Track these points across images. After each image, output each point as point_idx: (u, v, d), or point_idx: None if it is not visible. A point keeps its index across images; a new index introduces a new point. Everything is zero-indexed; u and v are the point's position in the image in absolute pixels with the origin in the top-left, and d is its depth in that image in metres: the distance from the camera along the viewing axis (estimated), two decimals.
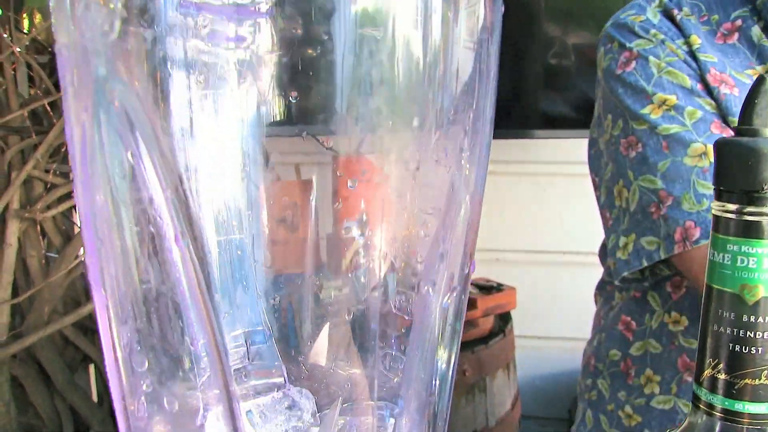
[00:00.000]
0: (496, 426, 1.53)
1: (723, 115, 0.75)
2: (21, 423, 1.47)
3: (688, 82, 0.76)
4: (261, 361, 0.36)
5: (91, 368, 1.66)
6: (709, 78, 0.75)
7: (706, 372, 0.34)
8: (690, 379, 0.84)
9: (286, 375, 0.35)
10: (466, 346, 1.51)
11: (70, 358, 1.59)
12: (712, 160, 0.79)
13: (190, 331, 0.29)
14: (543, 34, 2.12)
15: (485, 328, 1.58)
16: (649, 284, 0.87)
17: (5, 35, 1.40)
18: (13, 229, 1.41)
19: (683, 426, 0.38)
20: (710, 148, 0.73)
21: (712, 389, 0.34)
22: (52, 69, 1.51)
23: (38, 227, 1.50)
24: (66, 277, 1.51)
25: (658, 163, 0.77)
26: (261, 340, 0.36)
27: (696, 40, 0.77)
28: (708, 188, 0.74)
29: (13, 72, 1.45)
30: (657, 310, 0.87)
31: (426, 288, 0.28)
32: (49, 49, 1.49)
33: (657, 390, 0.86)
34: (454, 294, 0.28)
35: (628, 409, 0.90)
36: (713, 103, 0.76)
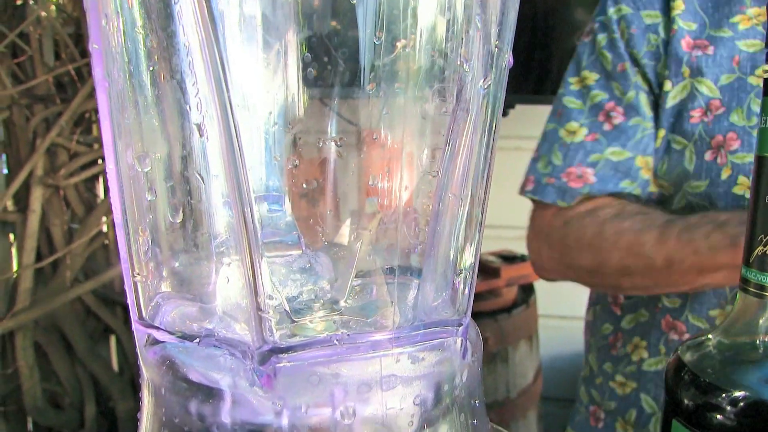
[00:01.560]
0: (517, 398, 1.51)
1: (691, 74, 0.80)
2: (44, 390, 1.48)
3: (610, 66, 0.86)
4: (276, 229, 0.34)
5: (112, 339, 1.67)
6: (683, 43, 0.80)
7: (756, 251, 0.33)
8: (675, 337, 0.84)
9: (303, 244, 0.34)
10: (489, 315, 1.49)
11: (91, 328, 1.59)
12: (582, 139, 0.85)
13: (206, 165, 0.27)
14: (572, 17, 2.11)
15: (509, 298, 1.57)
16: None
17: (31, 2, 1.41)
18: (37, 195, 1.42)
19: (731, 313, 0.36)
20: (583, 131, 0.85)
21: (763, 267, 0.33)
22: (78, 38, 1.52)
23: (61, 195, 1.51)
24: (87, 246, 1.51)
25: (548, 123, 0.91)
26: (277, 208, 0.34)
27: (680, 5, 0.81)
28: (560, 160, 0.85)
29: (38, 39, 1.46)
30: None
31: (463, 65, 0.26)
32: (75, 17, 1.50)
33: (645, 354, 0.87)
34: (490, 81, 0.27)
35: (619, 378, 0.90)
36: (634, 82, 0.84)
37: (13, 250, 1.51)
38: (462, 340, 0.29)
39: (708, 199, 0.79)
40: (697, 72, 0.79)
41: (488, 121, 0.29)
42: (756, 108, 0.76)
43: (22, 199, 1.47)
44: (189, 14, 0.25)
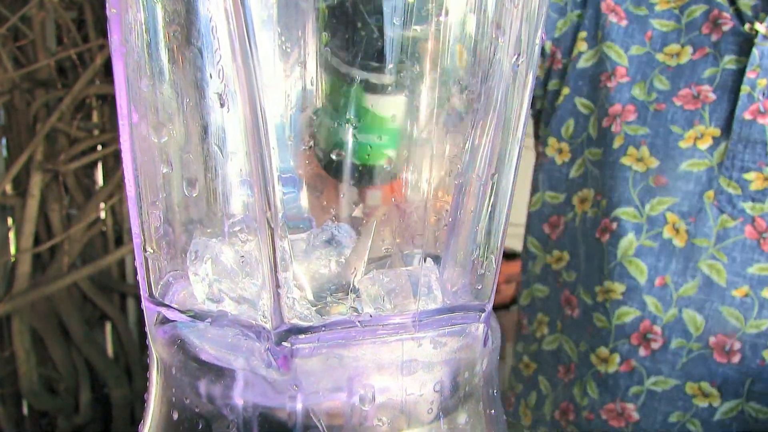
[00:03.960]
0: None
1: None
2: (40, 375, 1.46)
3: None
4: (290, 211, 0.33)
5: (108, 326, 1.66)
6: (603, 6, 0.81)
7: None
8: (569, 312, 0.84)
9: (315, 225, 0.33)
10: None
11: (87, 314, 1.58)
12: None
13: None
14: None
15: (507, 294, 1.55)
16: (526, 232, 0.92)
17: None
18: (36, 180, 1.41)
19: None
20: None
21: None
22: (80, 23, 1.50)
23: (61, 181, 1.49)
24: (86, 232, 1.50)
25: None
26: (291, 189, 0.33)
27: None
28: None
29: (41, 23, 1.44)
30: (538, 255, 0.88)
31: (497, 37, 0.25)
32: (78, 2, 1.48)
33: (546, 330, 0.87)
34: (524, 57, 0.26)
35: (525, 359, 0.91)
36: None
37: (11, 234, 1.50)
38: (484, 326, 0.28)
39: (599, 168, 0.80)
40: (607, 37, 0.80)
41: (518, 102, 0.28)
42: (659, 85, 0.77)
43: (21, 184, 1.46)
44: None
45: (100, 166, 1.63)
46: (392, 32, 0.27)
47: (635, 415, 0.78)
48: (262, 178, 0.25)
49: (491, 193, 0.28)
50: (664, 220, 0.75)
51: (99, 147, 1.55)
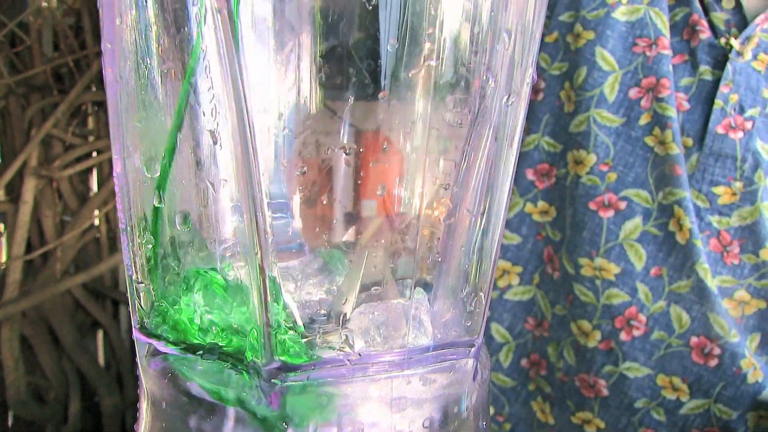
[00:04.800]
0: None
1: None
2: (29, 383, 1.46)
3: None
4: (281, 237, 0.33)
5: (100, 334, 1.65)
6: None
7: None
8: (551, 270, 0.84)
9: (307, 251, 0.33)
10: None
11: (79, 322, 1.58)
12: None
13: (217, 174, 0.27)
14: None
15: None
16: None
17: None
18: (30, 186, 1.40)
19: None
20: None
21: None
22: (78, 29, 1.50)
23: (55, 187, 1.49)
24: (79, 239, 1.49)
25: None
26: (283, 215, 0.33)
27: None
28: None
29: (38, 30, 1.44)
30: (512, 198, 0.85)
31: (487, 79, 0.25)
32: (76, 9, 1.48)
33: (516, 281, 0.86)
34: (514, 97, 0.26)
35: None
36: None
37: (3, 241, 1.49)
38: (474, 361, 0.28)
39: (614, 136, 0.79)
40: None
41: (508, 139, 0.28)
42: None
43: (14, 190, 1.45)
44: (208, 17, 0.24)
45: (95, 172, 1.63)
46: (385, 73, 0.28)
47: (605, 392, 0.79)
48: (251, 205, 0.25)
49: (480, 230, 0.28)
50: (672, 212, 0.75)
51: (94, 153, 1.55)
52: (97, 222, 1.56)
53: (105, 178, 1.57)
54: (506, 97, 0.27)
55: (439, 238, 0.30)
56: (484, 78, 0.26)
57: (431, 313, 0.28)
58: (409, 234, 0.30)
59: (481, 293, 0.29)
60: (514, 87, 0.27)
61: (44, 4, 1.42)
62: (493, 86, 0.26)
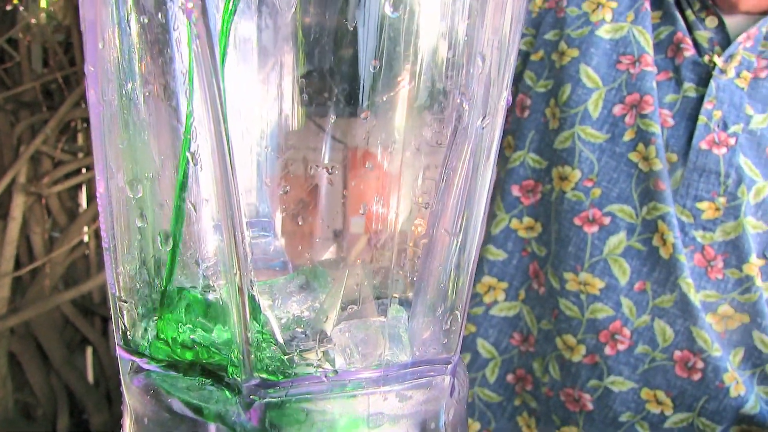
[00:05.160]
0: None
1: None
2: (17, 400, 1.45)
3: None
4: (264, 255, 0.34)
5: (89, 351, 1.65)
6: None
7: None
8: (536, 286, 0.84)
9: (291, 269, 0.34)
10: None
11: (68, 338, 1.57)
12: None
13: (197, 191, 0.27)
14: None
15: None
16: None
17: (21, 8, 1.40)
18: (19, 202, 1.41)
19: None
20: None
21: None
22: (67, 46, 1.51)
23: (43, 204, 1.49)
24: (68, 255, 1.50)
25: None
26: (265, 233, 0.34)
27: None
28: None
29: (27, 46, 1.45)
30: (498, 214, 0.86)
31: (462, 103, 0.26)
32: (66, 25, 1.49)
33: (501, 296, 0.86)
34: (489, 119, 0.27)
35: None
36: None
37: None
38: (450, 378, 0.29)
39: (598, 153, 0.80)
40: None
41: (484, 160, 0.29)
42: None
43: (3, 206, 1.45)
44: (188, 42, 0.25)
45: (84, 188, 1.63)
46: (367, 93, 0.28)
47: (590, 405, 0.80)
48: (230, 226, 0.26)
49: (457, 248, 0.29)
50: (656, 227, 0.76)
51: (83, 170, 1.55)
52: (86, 238, 1.56)
53: (94, 195, 1.57)
54: (481, 118, 0.27)
55: (418, 257, 0.30)
56: (459, 101, 0.27)
57: (409, 331, 0.29)
58: (388, 252, 0.31)
59: (457, 311, 0.29)
60: (489, 109, 0.28)
61: (33, 20, 1.42)
62: (468, 108, 0.27)
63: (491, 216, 0.88)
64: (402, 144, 0.30)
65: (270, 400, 0.26)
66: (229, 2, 0.25)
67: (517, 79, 0.86)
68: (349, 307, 0.31)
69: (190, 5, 0.24)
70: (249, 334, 0.25)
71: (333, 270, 0.33)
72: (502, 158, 0.89)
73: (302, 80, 0.31)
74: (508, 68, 0.28)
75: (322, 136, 0.33)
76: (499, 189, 0.88)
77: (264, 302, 0.30)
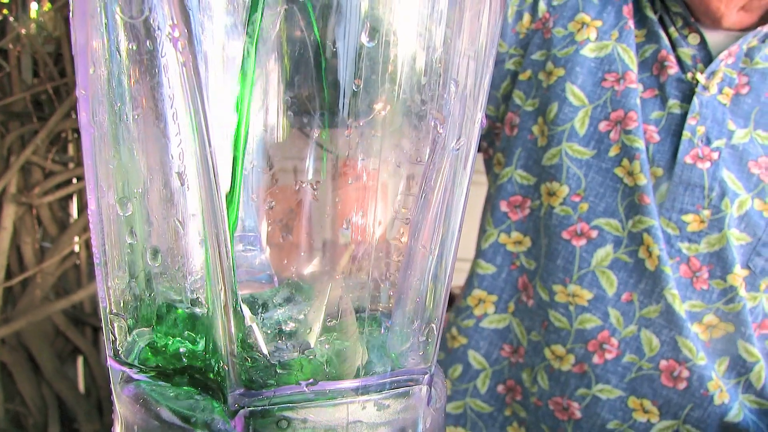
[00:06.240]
0: None
1: None
2: (8, 410, 1.45)
3: None
4: (250, 269, 0.35)
5: (80, 360, 1.65)
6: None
7: None
8: (525, 299, 0.86)
9: (276, 282, 0.35)
10: None
11: (59, 348, 1.57)
12: None
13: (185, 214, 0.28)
14: None
15: None
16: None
17: (11, 19, 1.41)
18: (9, 213, 1.41)
19: None
20: None
21: None
22: (57, 57, 1.52)
23: (34, 214, 1.50)
24: (59, 266, 1.50)
25: None
26: (252, 247, 0.35)
27: None
28: None
29: (17, 57, 1.46)
30: (487, 229, 0.88)
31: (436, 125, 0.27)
32: (56, 36, 1.50)
33: (491, 309, 0.88)
34: (464, 139, 0.28)
35: (454, 330, 0.92)
36: None
37: None
38: (427, 387, 0.30)
39: (585, 168, 0.81)
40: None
41: (459, 178, 0.30)
42: None
43: None
44: (175, 68, 0.26)
45: (74, 199, 1.63)
46: (349, 112, 0.30)
47: (578, 414, 0.81)
48: (215, 242, 0.27)
49: (434, 263, 0.30)
50: (641, 240, 0.78)
51: (74, 180, 1.55)
52: (77, 248, 1.57)
53: (85, 205, 1.57)
54: (456, 139, 0.29)
55: (397, 270, 0.32)
56: (433, 125, 0.28)
57: (388, 342, 0.30)
58: (369, 265, 0.32)
59: (433, 324, 0.30)
60: (464, 130, 0.29)
61: (24, 31, 1.43)
62: (442, 133, 0.28)
63: (481, 231, 0.90)
64: (384, 160, 0.31)
65: (253, 408, 0.27)
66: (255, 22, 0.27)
67: (506, 98, 0.88)
68: (331, 318, 0.32)
69: (176, 34, 0.25)
70: (233, 346, 0.27)
71: (317, 283, 0.35)
72: (492, 175, 0.91)
73: (288, 99, 0.32)
74: (482, 92, 0.29)
75: (307, 151, 0.34)
76: (489, 205, 0.90)
77: (248, 314, 0.31)
